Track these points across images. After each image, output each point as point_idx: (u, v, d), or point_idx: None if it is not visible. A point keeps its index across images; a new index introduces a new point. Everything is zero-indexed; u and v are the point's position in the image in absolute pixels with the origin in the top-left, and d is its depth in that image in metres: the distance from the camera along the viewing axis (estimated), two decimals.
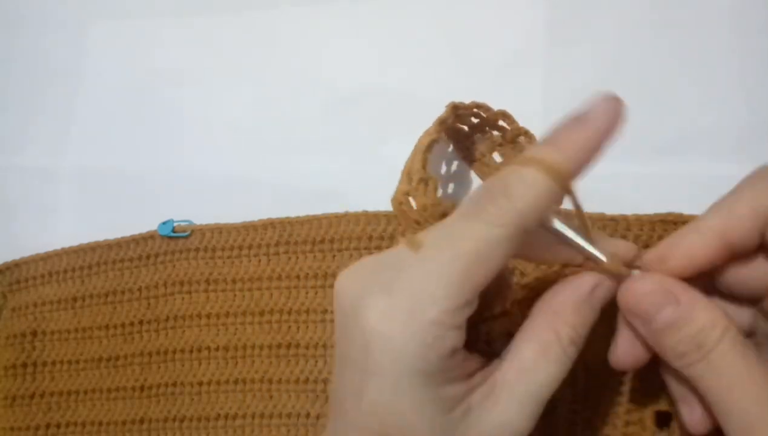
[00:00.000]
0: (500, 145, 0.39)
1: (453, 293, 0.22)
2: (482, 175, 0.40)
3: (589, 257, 0.24)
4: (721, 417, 0.22)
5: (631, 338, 0.25)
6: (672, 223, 0.33)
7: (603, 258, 0.24)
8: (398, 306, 0.22)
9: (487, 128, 0.39)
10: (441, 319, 0.22)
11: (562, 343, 0.23)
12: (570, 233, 0.24)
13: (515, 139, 0.38)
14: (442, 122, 0.33)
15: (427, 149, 0.33)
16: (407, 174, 0.33)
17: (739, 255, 0.24)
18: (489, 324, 0.26)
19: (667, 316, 0.23)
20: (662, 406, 0.30)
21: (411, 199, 0.31)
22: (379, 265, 0.24)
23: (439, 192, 0.37)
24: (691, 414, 0.25)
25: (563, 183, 0.22)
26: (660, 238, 0.34)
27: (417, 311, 0.22)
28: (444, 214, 0.30)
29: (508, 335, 0.25)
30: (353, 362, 0.23)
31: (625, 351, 0.25)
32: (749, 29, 0.39)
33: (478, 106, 0.37)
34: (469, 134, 0.40)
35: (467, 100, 0.38)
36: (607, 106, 0.22)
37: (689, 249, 0.24)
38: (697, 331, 0.23)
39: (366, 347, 0.22)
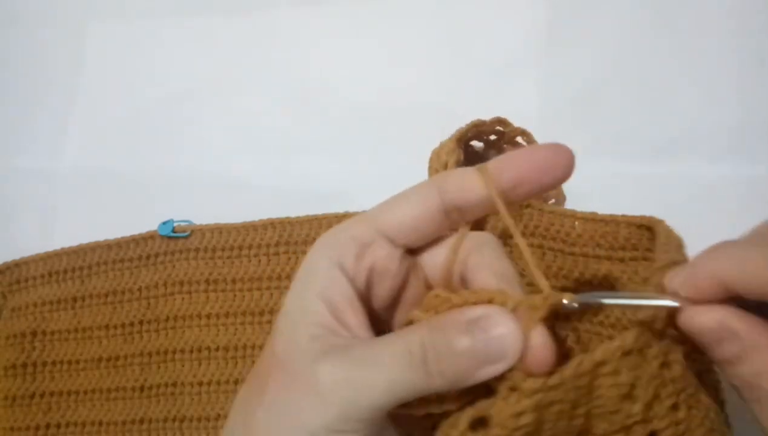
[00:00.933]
0: (499, 147, 0.39)
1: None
2: None
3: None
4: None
5: None
6: (645, 228, 0.32)
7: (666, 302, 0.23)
8: (331, 232, 0.26)
9: (505, 145, 0.38)
10: (348, 230, 0.25)
11: (407, 341, 0.23)
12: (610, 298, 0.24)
13: (513, 139, 0.38)
14: (460, 139, 0.34)
15: (462, 138, 0.34)
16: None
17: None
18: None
19: (726, 353, 0.23)
20: None
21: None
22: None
23: None
24: None
25: (486, 178, 0.24)
26: (649, 239, 0.33)
27: (339, 231, 0.25)
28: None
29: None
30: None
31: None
32: (749, 30, 0.40)
33: (475, 125, 0.36)
34: (467, 141, 0.39)
35: (467, 101, 0.38)
36: (558, 155, 0.24)
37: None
38: (753, 374, 0.22)
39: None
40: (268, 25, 0.48)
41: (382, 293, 0.26)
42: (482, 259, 0.25)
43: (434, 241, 0.26)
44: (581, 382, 0.22)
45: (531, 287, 0.25)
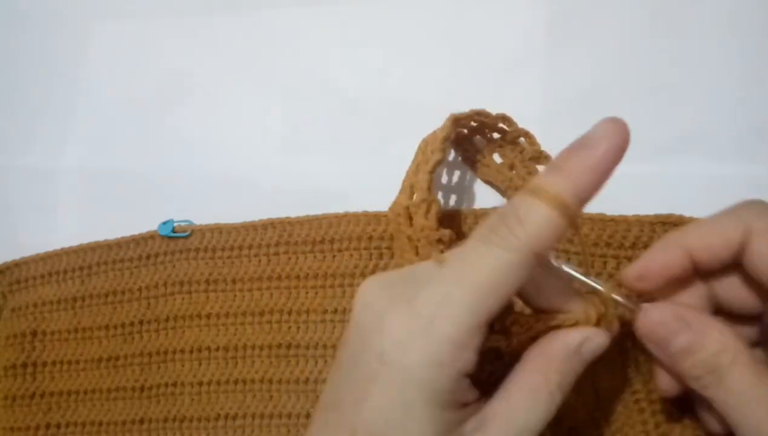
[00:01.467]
0: (500, 146, 0.39)
1: (470, 314, 0.22)
2: (483, 176, 0.40)
3: (593, 290, 0.26)
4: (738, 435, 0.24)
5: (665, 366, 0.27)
6: (672, 224, 0.33)
7: (604, 290, 0.26)
8: (418, 322, 0.23)
9: (487, 131, 0.39)
10: (457, 338, 0.22)
11: (549, 388, 0.24)
12: (573, 271, 0.26)
13: (515, 140, 0.38)
14: (445, 139, 0.34)
15: (432, 170, 0.33)
16: (409, 187, 0.33)
17: (711, 272, 0.26)
18: (487, 361, 0.27)
19: (681, 342, 0.25)
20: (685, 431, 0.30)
21: (410, 214, 0.32)
22: (403, 278, 0.25)
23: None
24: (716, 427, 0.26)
25: (571, 217, 0.23)
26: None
27: (435, 329, 0.22)
28: (439, 241, 0.30)
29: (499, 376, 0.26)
30: (363, 369, 0.23)
31: (664, 379, 0.27)
32: (749, 30, 0.39)
33: (478, 113, 0.37)
34: (469, 136, 0.40)
35: (467, 102, 0.38)
36: (611, 128, 0.23)
37: (661, 264, 0.26)
38: (710, 355, 0.24)
39: (381, 356, 0.22)
40: (268, 25, 0.48)
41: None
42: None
43: None
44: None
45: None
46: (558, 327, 0.26)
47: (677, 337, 0.25)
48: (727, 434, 0.25)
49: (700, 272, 0.27)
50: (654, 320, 0.25)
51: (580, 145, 0.23)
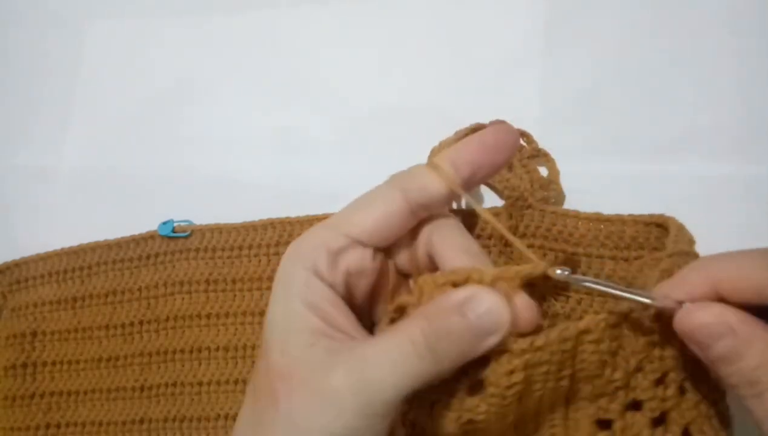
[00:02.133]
0: (511, 165, 0.38)
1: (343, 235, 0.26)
2: (493, 188, 0.39)
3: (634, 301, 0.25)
4: None
5: None
6: (666, 225, 0.33)
7: (647, 300, 0.24)
8: (299, 241, 0.28)
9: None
10: (317, 238, 0.27)
11: (416, 345, 0.23)
12: (605, 286, 0.25)
13: (533, 157, 0.38)
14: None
15: None
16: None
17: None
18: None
19: (721, 348, 0.23)
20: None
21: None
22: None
23: None
24: None
25: (448, 182, 0.26)
26: (657, 238, 0.33)
27: (307, 239, 0.27)
28: None
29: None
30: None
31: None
32: (748, 29, 0.39)
33: (474, 129, 0.36)
34: None
35: (467, 102, 0.38)
36: (499, 125, 0.27)
37: (687, 295, 0.24)
38: (752, 368, 0.22)
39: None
40: (268, 25, 0.48)
41: (360, 291, 0.28)
42: (445, 238, 0.27)
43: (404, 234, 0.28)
44: (566, 346, 0.24)
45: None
46: (454, 284, 0.25)
47: (718, 342, 0.23)
48: None
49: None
50: (696, 320, 0.23)
51: (472, 136, 0.27)
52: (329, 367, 0.24)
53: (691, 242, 0.30)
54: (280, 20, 0.48)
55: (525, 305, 0.24)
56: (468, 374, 0.25)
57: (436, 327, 0.23)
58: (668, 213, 0.34)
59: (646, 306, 0.24)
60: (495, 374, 0.24)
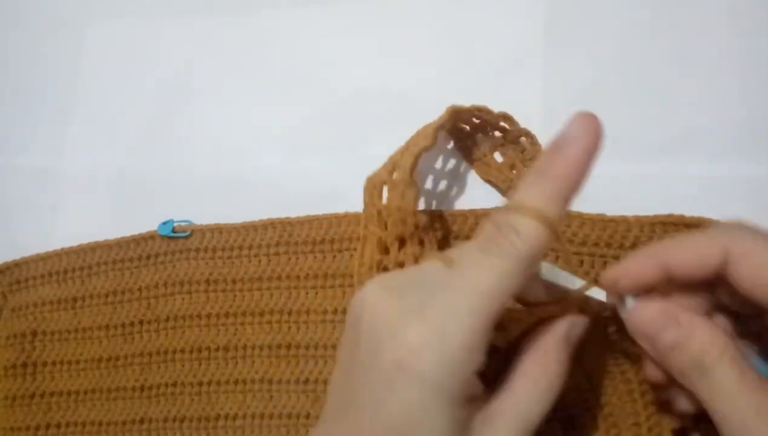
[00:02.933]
0: (502, 145, 0.39)
1: (478, 320, 0.24)
2: (483, 175, 0.40)
3: (582, 295, 0.28)
4: (723, 431, 0.24)
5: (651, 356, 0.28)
6: (672, 224, 0.33)
7: (597, 296, 0.28)
8: (431, 329, 0.24)
9: (489, 129, 0.39)
10: (468, 344, 0.24)
11: (548, 378, 0.26)
12: (563, 277, 0.29)
13: (517, 139, 0.38)
14: (438, 128, 0.34)
15: (418, 154, 0.33)
16: (392, 164, 0.34)
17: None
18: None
19: (669, 338, 0.26)
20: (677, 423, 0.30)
21: (385, 189, 0.33)
22: (410, 283, 0.26)
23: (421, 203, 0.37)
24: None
25: (553, 228, 0.24)
26: (660, 239, 0.34)
27: (447, 336, 0.24)
28: (416, 226, 0.31)
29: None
30: (378, 375, 0.24)
31: (652, 370, 0.28)
32: (749, 30, 0.39)
33: (479, 109, 0.37)
34: (471, 133, 0.40)
35: (467, 101, 0.38)
36: (583, 127, 0.24)
37: (636, 274, 0.27)
38: (696, 352, 0.25)
39: (398, 364, 0.24)
40: (268, 25, 0.48)
41: None
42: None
43: None
44: None
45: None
46: (546, 318, 0.28)
47: (664, 332, 0.26)
48: None
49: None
50: (642, 315, 0.27)
51: (555, 148, 0.24)
52: None
53: None
54: (280, 20, 0.48)
55: None
56: None
57: (558, 361, 0.27)
58: (667, 213, 0.34)
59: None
60: None
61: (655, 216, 0.34)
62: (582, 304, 0.28)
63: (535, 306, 0.28)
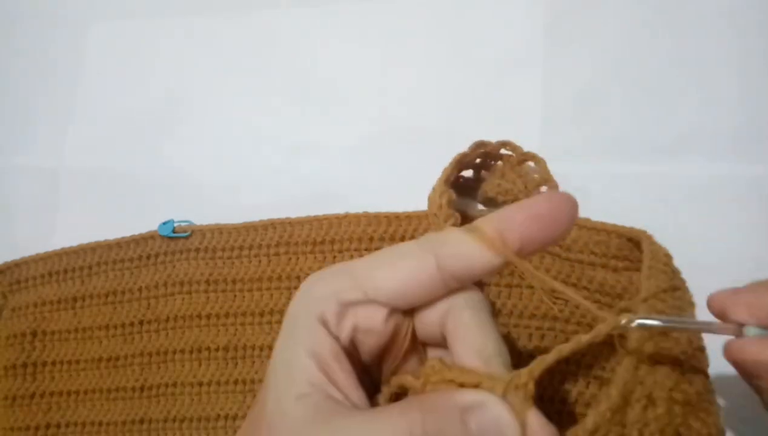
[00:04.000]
0: (502, 174, 0.37)
1: (342, 292, 0.24)
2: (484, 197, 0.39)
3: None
4: None
5: None
6: (636, 241, 0.32)
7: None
8: (316, 279, 0.26)
9: (492, 162, 0.37)
10: (332, 284, 0.25)
11: (410, 421, 0.22)
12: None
13: (522, 162, 0.37)
14: (445, 182, 0.34)
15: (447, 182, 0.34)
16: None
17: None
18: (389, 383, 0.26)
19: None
20: None
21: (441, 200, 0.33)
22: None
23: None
24: None
25: (496, 252, 0.23)
26: (631, 250, 0.33)
27: (323, 280, 0.26)
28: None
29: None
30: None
31: None
32: (748, 30, 0.39)
33: (479, 145, 0.35)
34: (476, 178, 0.38)
35: (467, 101, 0.38)
36: (551, 199, 0.23)
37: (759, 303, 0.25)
38: None
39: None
40: (268, 25, 0.48)
41: (368, 348, 0.25)
42: (460, 327, 0.24)
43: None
44: None
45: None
46: (462, 384, 0.23)
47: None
48: None
49: None
50: (749, 356, 0.24)
51: (522, 203, 0.24)
52: (311, 432, 0.23)
53: (667, 261, 0.28)
54: (280, 20, 0.48)
55: (538, 423, 0.21)
56: None
57: (433, 427, 0.22)
58: (667, 213, 0.34)
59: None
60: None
61: (629, 229, 0.32)
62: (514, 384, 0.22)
63: (464, 369, 0.23)
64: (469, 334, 0.24)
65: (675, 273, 0.28)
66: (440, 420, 0.22)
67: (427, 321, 0.25)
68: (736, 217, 0.36)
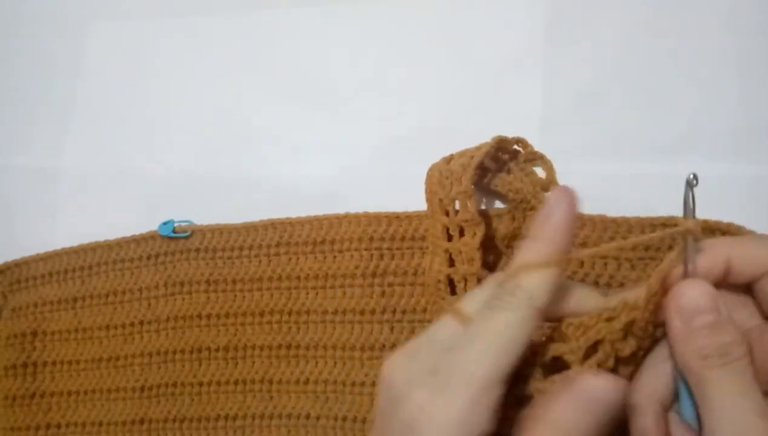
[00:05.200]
0: (509, 170, 0.38)
1: (485, 372, 0.24)
2: (495, 192, 0.39)
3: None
4: (714, 421, 0.24)
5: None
6: (673, 225, 0.33)
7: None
8: (442, 385, 0.25)
9: (501, 154, 0.38)
10: (478, 397, 0.24)
11: None
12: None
13: (530, 161, 0.37)
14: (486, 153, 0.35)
15: (474, 156, 0.34)
16: (450, 156, 0.35)
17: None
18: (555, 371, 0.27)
19: (710, 319, 0.26)
20: None
21: (449, 182, 0.34)
22: (425, 345, 0.27)
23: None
24: None
25: (555, 266, 0.26)
26: (661, 240, 0.33)
27: (455, 396, 0.24)
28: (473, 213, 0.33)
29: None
30: (394, 434, 0.25)
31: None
32: (748, 30, 0.39)
33: (500, 140, 0.36)
34: (482, 166, 0.39)
35: (467, 101, 0.38)
36: (561, 196, 0.27)
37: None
38: (728, 342, 0.25)
39: (411, 423, 0.24)
40: (268, 25, 0.48)
41: None
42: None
43: None
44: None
45: None
46: (611, 318, 0.26)
47: (708, 313, 0.26)
48: None
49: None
50: (692, 291, 0.26)
51: (543, 218, 0.27)
52: None
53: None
54: (280, 20, 0.48)
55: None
56: None
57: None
58: (667, 213, 0.34)
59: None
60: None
61: (656, 217, 0.34)
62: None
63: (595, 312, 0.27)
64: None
65: None
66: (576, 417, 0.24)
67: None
68: (736, 217, 0.36)
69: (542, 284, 0.26)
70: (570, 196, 0.27)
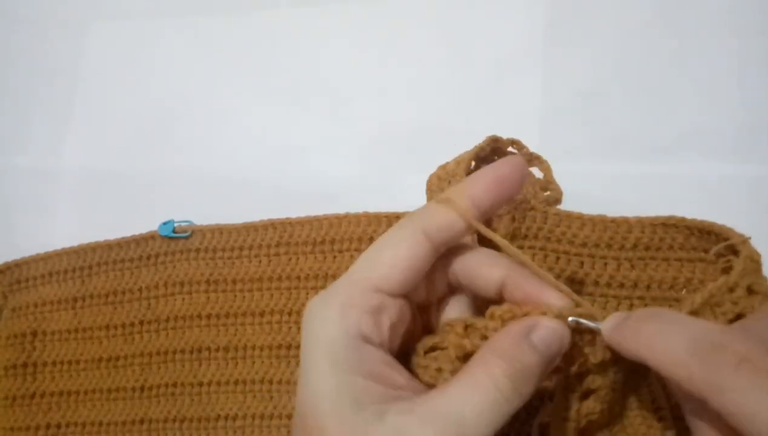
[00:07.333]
0: None
1: (362, 282, 0.25)
2: None
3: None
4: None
5: None
6: (673, 226, 0.33)
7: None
8: (329, 291, 0.26)
9: (497, 157, 0.38)
10: (351, 299, 0.25)
11: (493, 378, 0.23)
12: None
13: (527, 162, 0.37)
14: (478, 152, 0.35)
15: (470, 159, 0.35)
16: (447, 163, 0.35)
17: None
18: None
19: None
20: None
21: (446, 182, 0.34)
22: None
23: None
24: None
25: (463, 217, 0.26)
26: (661, 240, 0.33)
27: (336, 299, 0.25)
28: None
29: None
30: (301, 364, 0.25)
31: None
32: (748, 30, 0.40)
33: (493, 140, 0.36)
34: (477, 168, 0.38)
35: (467, 101, 0.38)
36: (506, 162, 0.27)
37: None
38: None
39: (305, 327, 0.25)
40: (268, 25, 0.48)
41: (398, 339, 0.27)
42: (481, 261, 0.27)
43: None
44: None
45: None
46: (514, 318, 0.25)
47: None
48: None
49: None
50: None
51: (483, 171, 0.27)
52: (416, 432, 0.22)
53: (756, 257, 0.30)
54: (280, 20, 0.48)
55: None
56: (570, 388, 0.27)
57: (518, 368, 0.24)
58: (667, 213, 0.34)
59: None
60: (599, 375, 0.26)
61: (656, 217, 0.34)
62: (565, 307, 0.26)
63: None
64: (491, 259, 0.27)
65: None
66: (520, 361, 0.24)
67: (486, 279, 0.27)
68: (736, 217, 0.36)
69: (439, 218, 0.26)
70: (520, 165, 0.27)
